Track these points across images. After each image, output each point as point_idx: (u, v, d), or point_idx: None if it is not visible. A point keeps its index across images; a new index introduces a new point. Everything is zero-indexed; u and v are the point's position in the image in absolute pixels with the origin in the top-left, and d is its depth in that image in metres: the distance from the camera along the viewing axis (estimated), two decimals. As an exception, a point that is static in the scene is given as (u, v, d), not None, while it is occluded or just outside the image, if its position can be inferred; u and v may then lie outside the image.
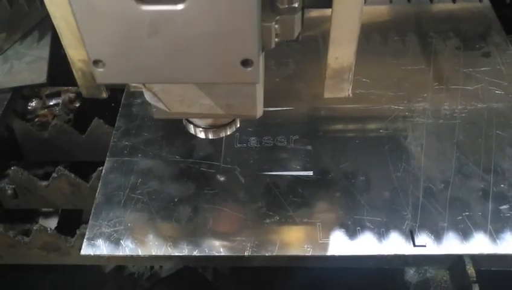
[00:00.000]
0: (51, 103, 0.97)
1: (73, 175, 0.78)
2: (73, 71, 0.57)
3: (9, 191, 0.83)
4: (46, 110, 0.98)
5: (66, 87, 0.99)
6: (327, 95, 0.58)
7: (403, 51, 0.90)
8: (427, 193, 0.69)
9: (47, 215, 0.99)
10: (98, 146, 0.86)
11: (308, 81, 0.85)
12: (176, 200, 0.70)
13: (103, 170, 0.74)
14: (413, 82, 0.84)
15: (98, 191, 0.72)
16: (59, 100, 0.97)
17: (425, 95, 0.82)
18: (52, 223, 0.94)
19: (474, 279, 0.62)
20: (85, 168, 0.85)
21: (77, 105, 0.97)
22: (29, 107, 0.97)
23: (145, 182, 0.72)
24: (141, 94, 0.84)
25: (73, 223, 0.78)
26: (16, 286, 0.69)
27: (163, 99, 0.55)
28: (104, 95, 0.60)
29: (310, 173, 0.72)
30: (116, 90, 1.05)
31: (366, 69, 0.85)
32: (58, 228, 0.73)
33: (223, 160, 0.74)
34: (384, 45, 0.91)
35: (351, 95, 0.58)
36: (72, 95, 0.98)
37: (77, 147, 0.89)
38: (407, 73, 0.85)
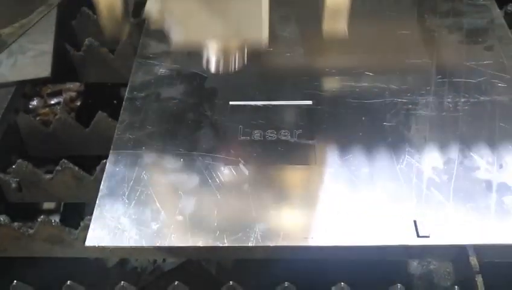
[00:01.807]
0: (52, 102, 0.98)
1: (77, 168, 0.79)
2: (98, 12, 0.63)
3: (13, 185, 0.83)
4: (47, 108, 0.98)
5: (67, 86, 0.99)
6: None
7: (406, 45, 0.90)
8: (430, 184, 0.69)
9: (48, 213, 0.99)
10: (101, 140, 0.86)
11: (313, 74, 0.86)
12: (180, 192, 0.70)
13: (107, 163, 0.75)
14: (416, 75, 0.84)
15: (102, 183, 0.72)
16: (60, 99, 0.98)
17: (428, 88, 0.82)
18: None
19: (478, 270, 0.62)
20: (88, 162, 0.86)
21: (78, 104, 0.98)
22: (30, 106, 0.98)
23: (149, 175, 0.73)
24: (145, 87, 0.85)
25: (74, 221, 0.78)
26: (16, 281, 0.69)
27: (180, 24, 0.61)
28: (125, 36, 0.68)
29: (314, 166, 0.73)
30: (120, 86, 1.06)
31: (369, 63, 0.86)
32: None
33: (227, 152, 0.75)
34: (387, 38, 0.92)
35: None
36: (73, 94, 0.98)
37: (81, 141, 0.89)
38: (410, 66, 0.86)
